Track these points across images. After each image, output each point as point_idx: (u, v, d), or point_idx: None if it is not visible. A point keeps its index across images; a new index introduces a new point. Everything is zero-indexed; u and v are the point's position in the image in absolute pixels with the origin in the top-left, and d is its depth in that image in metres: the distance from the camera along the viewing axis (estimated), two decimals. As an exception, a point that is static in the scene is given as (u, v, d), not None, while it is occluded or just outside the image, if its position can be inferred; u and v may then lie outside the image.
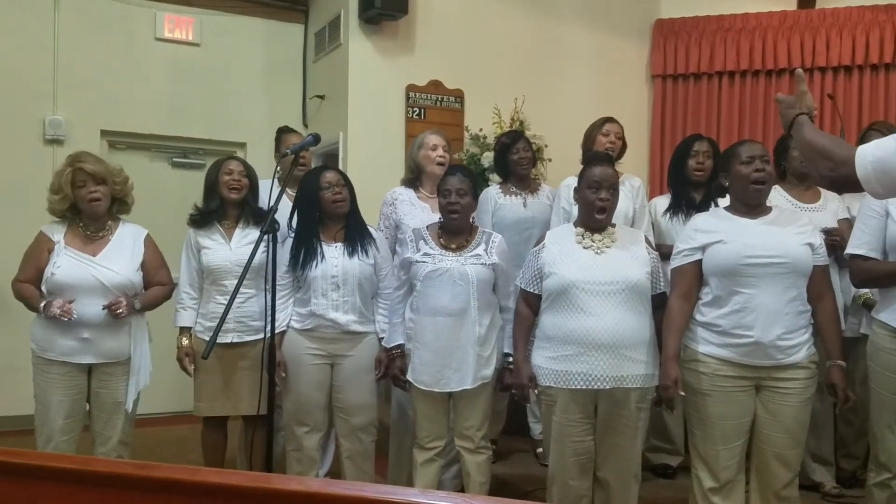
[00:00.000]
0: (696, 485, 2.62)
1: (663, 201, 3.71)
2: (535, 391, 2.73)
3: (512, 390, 2.84)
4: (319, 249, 3.05)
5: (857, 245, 2.58)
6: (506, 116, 5.21)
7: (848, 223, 3.07)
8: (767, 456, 2.55)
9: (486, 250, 2.95)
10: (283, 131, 4.01)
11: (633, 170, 5.51)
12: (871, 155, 1.63)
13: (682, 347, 2.61)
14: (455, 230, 2.98)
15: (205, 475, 1.11)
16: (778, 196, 3.34)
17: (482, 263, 2.92)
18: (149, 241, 3.20)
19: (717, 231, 2.57)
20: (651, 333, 2.66)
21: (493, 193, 3.83)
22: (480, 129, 5.17)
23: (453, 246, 2.96)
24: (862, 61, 5.51)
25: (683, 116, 5.97)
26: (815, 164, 1.80)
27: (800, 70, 2.10)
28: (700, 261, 2.58)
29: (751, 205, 2.61)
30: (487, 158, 4.84)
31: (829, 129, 5.13)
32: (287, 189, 3.13)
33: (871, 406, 2.57)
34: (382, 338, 3.10)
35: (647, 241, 2.81)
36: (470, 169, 3.41)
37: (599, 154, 2.91)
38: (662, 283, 2.74)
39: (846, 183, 1.69)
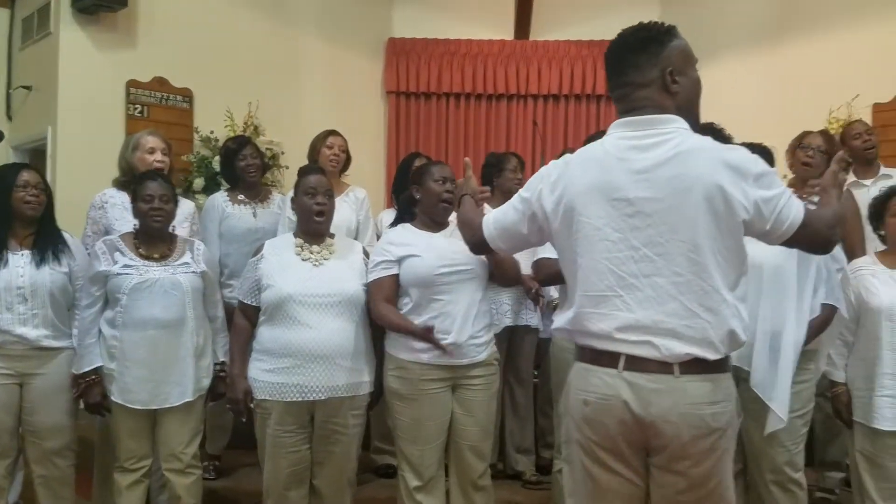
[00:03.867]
0: (403, 485, 2.73)
1: (390, 214, 3.84)
2: (252, 404, 2.69)
3: (227, 405, 2.79)
4: (3, 257, 2.75)
5: (542, 249, 2.89)
6: (239, 120, 5.09)
7: None
8: (463, 449, 2.75)
9: (193, 258, 2.87)
10: None
11: (370, 182, 5.68)
12: (492, 218, 2.00)
13: (387, 356, 2.73)
14: (157, 237, 2.86)
15: None
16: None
17: (192, 272, 2.84)
18: None
19: (410, 244, 2.72)
20: (366, 343, 2.75)
21: (219, 201, 3.70)
22: (212, 132, 4.99)
23: (156, 255, 2.83)
24: (568, 91, 6.17)
25: (416, 132, 6.25)
26: (464, 233, 2.19)
27: (467, 159, 2.50)
28: (398, 274, 2.70)
29: (437, 221, 2.81)
30: (219, 162, 4.69)
31: (535, 154, 5.69)
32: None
33: (555, 400, 2.89)
34: None
35: (365, 253, 2.89)
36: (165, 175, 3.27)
37: (311, 166, 2.98)
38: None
39: (482, 245, 2.05)
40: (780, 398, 2.53)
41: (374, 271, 2.72)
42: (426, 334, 2.54)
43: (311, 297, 2.63)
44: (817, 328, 2.63)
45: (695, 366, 1.69)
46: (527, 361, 3.74)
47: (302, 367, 2.59)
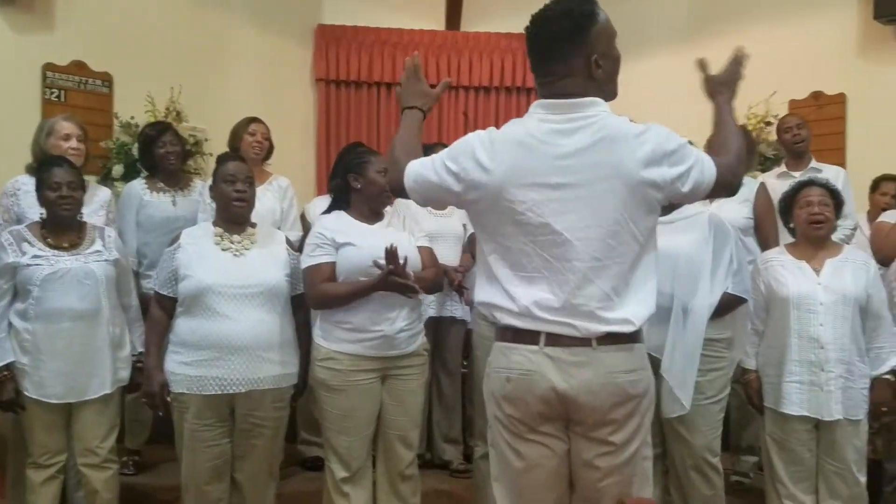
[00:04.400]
0: (329, 476, 2.72)
1: (321, 203, 3.78)
2: (169, 398, 2.63)
3: (143, 399, 2.72)
4: None
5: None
6: (161, 105, 4.94)
7: None
8: (392, 439, 2.75)
9: (104, 246, 2.80)
10: None
11: (299, 170, 5.61)
12: (414, 170, 1.89)
13: (316, 347, 2.70)
14: (65, 226, 2.77)
15: None
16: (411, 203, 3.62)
17: (105, 260, 2.77)
18: None
19: (346, 233, 2.70)
20: (290, 333, 2.72)
21: (137, 189, 3.62)
22: (132, 117, 4.83)
23: (66, 245, 2.74)
24: (498, 83, 6.20)
25: (347, 121, 6.16)
26: (390, 164, 1.99)
27: (416, 54, 2.29)
28: (335, 261, 2.67)
29: (376, 211, 2.80)
30: (138, 149, 4.55)
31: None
32: None
33: (476, 389, 2.91)
34: None
35: (289, 243, 2.85)
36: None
37: (230, 153, 2.93)
38: (302, 284, 2.81)
39: (402, 192, 1.93)
40: (684, 383, 2.61)
41: (313, 256, 2.67)
42: (387, 278, 2.49)
43: (231, 287, 2.58)
44: (718, 312, 2.70)
45: (611, 338, 1.76)
46: (453, 352, 3.78)
47: (221, 359, 2.54)
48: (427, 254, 2.83)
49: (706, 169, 1.78)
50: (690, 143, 1.82)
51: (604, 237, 1.74)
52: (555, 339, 1.76)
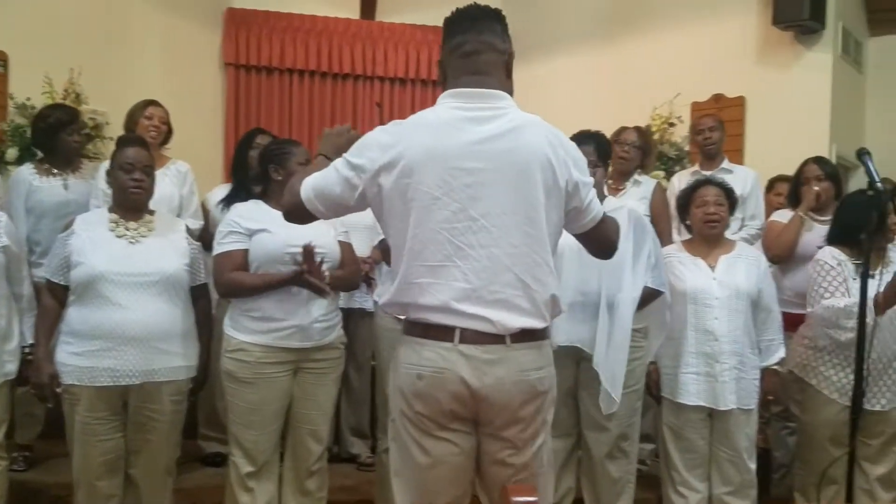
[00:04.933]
0: (234, 471, 2.65)
1: (221, 192, 3.67)
2: (59, 390, 2.51)
3: (32, 390, 2.59)
4: None
5: None
6: (59, 87, 4.70)
7: None
8: (303, 434, 2.70)
9: None
10: None
11: (206, 156, 5.44)
12: (311, 182, 1.82)
13: (225, 337, 2.63)
14: None
15: None
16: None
17: None
18: None
19: (261, 220, 2.63)
20: (189, 325, 2.64)
21: (26, 174, 3.45)
22: (28, 99, 4.59)
23: None
24: (414, 75, 6.19)
25: (257, 107, 6.02)
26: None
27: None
28: (248, 249, 2.60)
29: None
30: (41, 130, 4.31)
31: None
32: None
33: (381, 381, 2.90)
34: None
35: (189, 231, 2.77)
36: None
37: (131, 136, 2.81)
38: (203, 275, 2.73)
39: (298, 210, 1.84)
40: (614, 378, 2.68)
41: (224, 244, 2.60)
42: (300, 277, 2.43)
43: (126, 275, 2.48)
44: (638, 305, 2.77)
45: (524, 335, 1.76)
46: (362, 345, 3.72)
47: (114, 350, 2.44)
48: (347, 250, 2.79)
49: (598, 203, 1.88)
50: None
51: (520, 224, 1.74)
52: (470, 336, 1.74)
